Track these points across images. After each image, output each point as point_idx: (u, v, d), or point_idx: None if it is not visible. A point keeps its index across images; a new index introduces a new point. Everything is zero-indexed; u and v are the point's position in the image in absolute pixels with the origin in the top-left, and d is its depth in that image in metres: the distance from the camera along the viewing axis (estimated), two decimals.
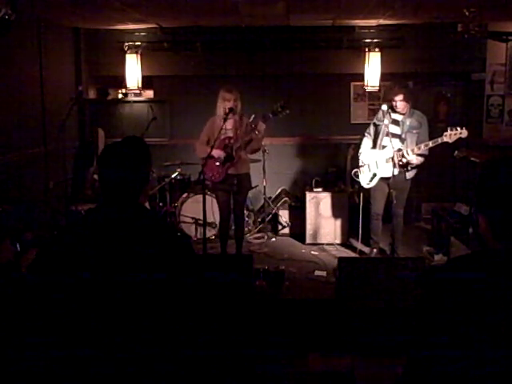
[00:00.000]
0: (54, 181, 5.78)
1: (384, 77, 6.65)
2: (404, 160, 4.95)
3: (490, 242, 1.40)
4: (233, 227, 5.49)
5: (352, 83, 7.01)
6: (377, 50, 6.69)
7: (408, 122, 5.08)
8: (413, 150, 4.93)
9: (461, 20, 5.02)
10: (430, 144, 4.87)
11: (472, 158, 5.51)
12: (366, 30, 6.73)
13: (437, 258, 5.40)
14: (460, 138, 4.81)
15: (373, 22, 6.51)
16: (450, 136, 4.78)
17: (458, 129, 4.78)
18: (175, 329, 1.74)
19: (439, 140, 4.82)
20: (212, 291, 3.78)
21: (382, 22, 6.42)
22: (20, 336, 2.35)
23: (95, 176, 6.22)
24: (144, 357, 1.70)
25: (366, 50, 6.71)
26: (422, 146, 4.89)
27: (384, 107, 5.07)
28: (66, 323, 1.72)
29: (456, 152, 5.58)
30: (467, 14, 4.81)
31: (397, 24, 6.58)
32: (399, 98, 5.04)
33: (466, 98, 7.01)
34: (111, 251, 1.73)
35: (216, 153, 4.90)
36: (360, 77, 6.78)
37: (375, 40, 6.71)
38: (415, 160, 4.98)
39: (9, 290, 2.59)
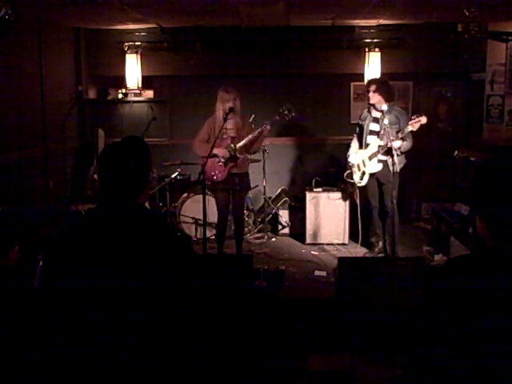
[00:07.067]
0: (54, 181, 5.78)
1: (384, 77, 6.64)
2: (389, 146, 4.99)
3: (489, 243, 1.40)
4: (232, 227, 5.49)
5: (352, 83, 7.01)
6: (377, 50, 6.69)
7: (386, 118, 5.07)
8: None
9: (461, 20, 5.02)
10: (399, 135, 4.98)
11: (472, 158, 5.51)
12: (366, 30, 6.74)
13: (437, 257, 5.39)
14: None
15: (373, 22, 6.51)
16: (413, 125, 4.89)
17: (419, 116, 4.91)
18: (175, 328, 1.74)
19: (405, 130, 4.94)
20: (212, 291, 3.78)
21: (382, 21, 6.42)
22: (25, 337, 2.36)
23: (95, 176, 6.21)
24: (144, 356, 1.70)
25: (366, 49, 6.72)
26: (393, 137, 4.94)
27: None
28: (69, 324, 1.72)
29: (456, 152, 5.58)
30: (467, 14, 4.82)
31: (397, 24, 6.58)
32: (372, 88, 5.18)
33: (466, 98, 7.01)
34: (111, 251, 1.73)
35: (220, 152, 4.89)
36: (360, 77, 6.78)
37: (375, 40, 6.72)
38: (397, 144, 5.01)
39: (15, 293, 2.61)
